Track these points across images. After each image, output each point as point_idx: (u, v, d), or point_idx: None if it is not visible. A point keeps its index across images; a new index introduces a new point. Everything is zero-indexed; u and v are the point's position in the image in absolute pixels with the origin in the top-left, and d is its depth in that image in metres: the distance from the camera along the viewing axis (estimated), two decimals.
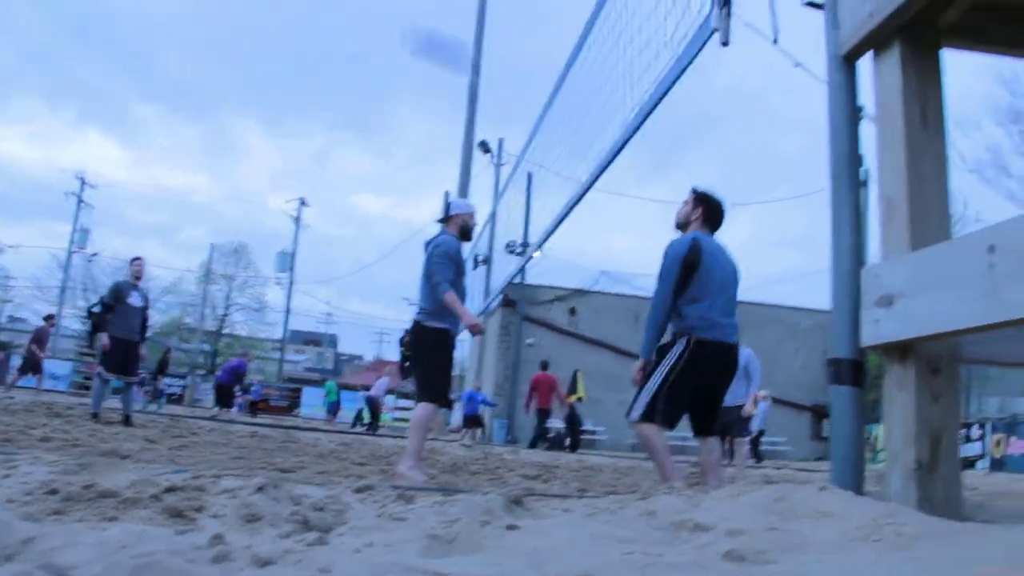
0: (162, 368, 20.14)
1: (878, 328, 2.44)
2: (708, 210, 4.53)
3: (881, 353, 2.52)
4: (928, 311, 2.21)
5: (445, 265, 5.25)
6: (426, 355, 5.41)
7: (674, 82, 3.86)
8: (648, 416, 4.26)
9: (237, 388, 21.06)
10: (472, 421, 18.88)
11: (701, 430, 4.49)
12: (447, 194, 22.22)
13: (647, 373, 4.36)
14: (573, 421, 18.24)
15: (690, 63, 3.73)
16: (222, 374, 19.92)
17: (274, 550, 1.29)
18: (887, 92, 2.55)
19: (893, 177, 2.50)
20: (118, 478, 2.21)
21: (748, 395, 8.45)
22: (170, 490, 1.93)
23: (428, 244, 5.50)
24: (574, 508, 2.34)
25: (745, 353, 8.25)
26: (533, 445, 16.94)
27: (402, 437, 14.65)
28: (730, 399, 7.94)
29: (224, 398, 19.08)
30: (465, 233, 5.62)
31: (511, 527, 1.59)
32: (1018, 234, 1.92)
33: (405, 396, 27.36)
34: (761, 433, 18.35)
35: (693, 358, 4.24)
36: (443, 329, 5.31)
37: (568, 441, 17.98)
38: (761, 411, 18.08)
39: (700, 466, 4.59)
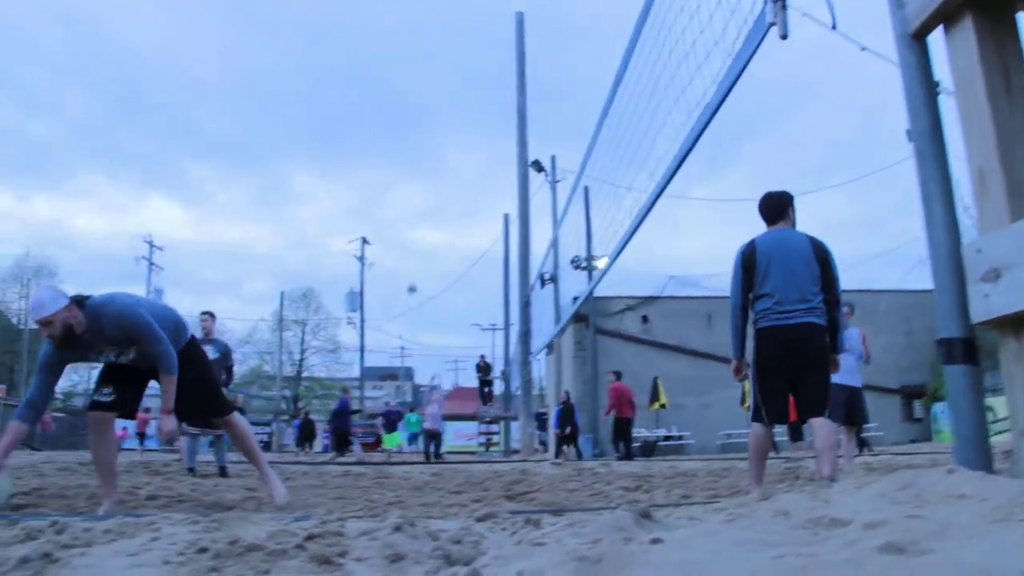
0: None
1: (987, 303, 2.39)
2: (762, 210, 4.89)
3: (994, 328, 2.47)
4: None
5: None
6: None
7: (736, 80, 3.86)
8: (756, 416, 4.66)
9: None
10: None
11: (802, 415, 4.68)
12: (506, 217, 22.35)
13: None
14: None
15: (750, 59, 3.72)
16: (336, 419, 20.38)
17: None
18: (964, 65, 2.51)
19: (981, 149, 2.45)
20: (255, 530, 2.28)
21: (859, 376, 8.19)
22: (310, 538, 2.00)
23: None
24: (700, 516, 2.34)
25: (851, 333, 7.97)
26: (624, 456, 16.70)
27: (488, 462, 14.69)
28: (846, 379, 7.70)
29: (342, 442, 19.65)
30: None
31: (655, 541, 1.60)
32: None
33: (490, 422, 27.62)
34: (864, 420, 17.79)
35: (760, 348, 4.62)
36: None
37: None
38: None
39: (814, 451, 4.88)
